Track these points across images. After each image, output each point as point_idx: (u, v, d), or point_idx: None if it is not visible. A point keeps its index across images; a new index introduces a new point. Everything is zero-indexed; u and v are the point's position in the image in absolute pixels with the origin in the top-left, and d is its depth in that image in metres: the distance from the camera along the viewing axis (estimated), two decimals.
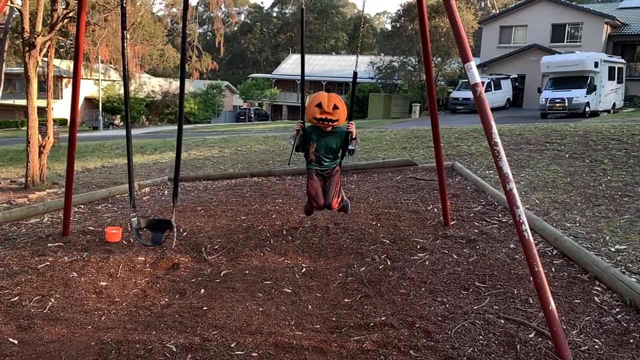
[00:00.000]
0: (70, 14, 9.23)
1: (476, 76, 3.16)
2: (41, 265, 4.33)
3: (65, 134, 11.99)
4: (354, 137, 4.53)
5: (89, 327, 3.38)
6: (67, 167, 5.07)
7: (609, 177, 6.81)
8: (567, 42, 29.79)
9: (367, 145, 11.64)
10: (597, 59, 21.47)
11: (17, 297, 3.76)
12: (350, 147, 4.55)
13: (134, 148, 4.56)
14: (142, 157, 13.14)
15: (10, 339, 3.16)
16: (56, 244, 4.90)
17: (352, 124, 4.51)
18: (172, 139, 16.88)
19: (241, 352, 2.95)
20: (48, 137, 8.97)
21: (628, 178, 6.70)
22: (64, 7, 9.55)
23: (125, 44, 4.16)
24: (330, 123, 4.49)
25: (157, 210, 6.29)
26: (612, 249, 4.30)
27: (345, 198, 4.78)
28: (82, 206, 6.74)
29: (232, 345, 3.03)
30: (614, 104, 23.34)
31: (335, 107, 4.46)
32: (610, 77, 22.60)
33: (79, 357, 2.92)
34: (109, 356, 2.92)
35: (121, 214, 6.18)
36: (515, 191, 3.05)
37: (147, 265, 4.44)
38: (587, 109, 20.59)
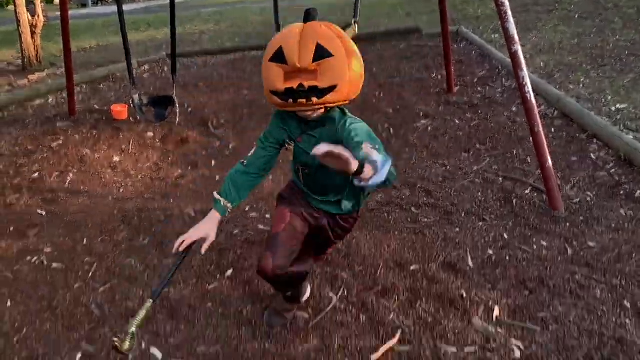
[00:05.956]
0: None
1: None
2: (54, 144, 4.46)
3: (53, 13, 11.49)
4: (361, 149, 1.59)
5: (109, 198, 3.59)
6: (64, 45, 4.96)
7: (617, 37, 6.62)
8: None
9: (368, 12, 11.14)
10: None
11: (37, 174, 3.94)
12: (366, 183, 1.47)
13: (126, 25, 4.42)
14: (137, 34, 12.69)
15: (39, 211, 3.38)
16: (65, 123, 4.99)
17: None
18: (164, 14, 16.13)
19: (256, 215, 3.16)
20: (38, 16, 8.62)
21: (637, 37, 6.51)
22: None
23: None
24: (313, 99, 1.70)
25: (158, 87, 6.27)
26: (613, 109, 4.35)
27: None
28: (84, 86, 6.72)
29: (247, 209, 3.23)
30: None
31: (320, 56, 1.66)
32: None
33: (104, 224, 3.13)
34: (132, 221, 3.14)
35: (124, 92, 6.18)
36: (520, 53, 3.02)
37: (157, 140, 4.56)
38: None
